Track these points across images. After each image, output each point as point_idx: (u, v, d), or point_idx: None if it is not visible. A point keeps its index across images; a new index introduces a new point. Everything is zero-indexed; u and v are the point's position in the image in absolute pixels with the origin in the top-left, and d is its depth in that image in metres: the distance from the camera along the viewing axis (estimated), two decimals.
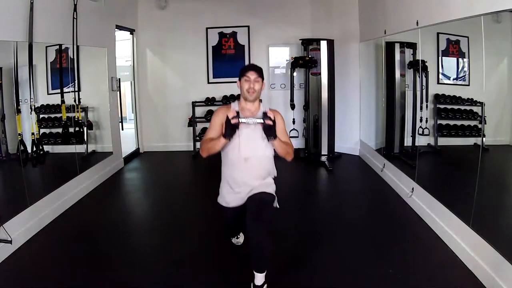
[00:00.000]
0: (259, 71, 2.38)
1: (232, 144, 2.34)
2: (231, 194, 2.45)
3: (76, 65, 4.12)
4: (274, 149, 2.41)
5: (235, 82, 2.50)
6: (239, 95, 2.66)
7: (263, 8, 6.11)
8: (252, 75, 2.35)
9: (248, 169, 2.37)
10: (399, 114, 4.47)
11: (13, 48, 3.16)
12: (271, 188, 2.46)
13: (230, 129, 2.25)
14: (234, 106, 2.44)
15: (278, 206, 2.54)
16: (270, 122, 2.25)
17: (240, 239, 3.00)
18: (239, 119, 2.25)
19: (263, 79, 2.40)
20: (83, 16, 4.13)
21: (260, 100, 2.50)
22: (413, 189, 3.68)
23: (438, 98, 3.55)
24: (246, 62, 6.17)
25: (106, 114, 5.01)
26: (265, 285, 2.33)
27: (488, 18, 2.44)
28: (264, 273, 2.31)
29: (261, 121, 2.26)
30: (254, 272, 2.31)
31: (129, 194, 4.63)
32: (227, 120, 2.24)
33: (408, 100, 4.20)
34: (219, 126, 2.35)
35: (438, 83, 3.51)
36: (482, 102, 2.81)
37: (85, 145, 4.56)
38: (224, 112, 2.34)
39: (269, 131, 2.27)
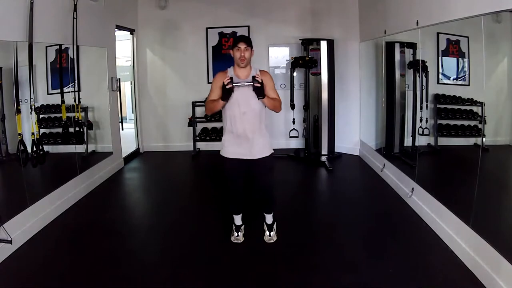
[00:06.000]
0: (248, 41, 2.75)
1: (231, 102, 2.74)
2: (234, 146, 2.83)
3: (76, 65, 4.12)
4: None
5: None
6: None
7: (263, 8, 6.10)
8: (242, 45, 2.71)
9: (245, 120, 2.78)
10: (399, 114, 4.47)
11: (13, 48, 3.16)
12: (268, 147, 2.88)
13: (226, 93, 2.67)
14: (230, 71, 2.82)
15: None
16: (258, 84, 2.66)
17: (239, 237, 3.08)
18: (233, 84, 2.66)
19: (252, 47, 2.76)
20: (83, 16, 4.13)
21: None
22: (413, 189, 3.68)
23: (438, 98, 3.54)
24: None
25: (106, 114, 5.01)
26: (275, 223, 3.12)
27: (488, 18, 2.44)
28: (272, 213, 3.10)
29: (251, 83, 2.66)
30: (265, 214, 3.10)
31: (129, 194, 4.63)
32: (223, 86, 2.65)
33: (408, 100, 4.19)
34: (218, 89, 2.74)
35: (438, 83, 3.50)
36: (482, 102, 2.81)
37: (85, 145, 4.56)
38: (221, 77, 2.75)
39: (258, 91, 2.68)
